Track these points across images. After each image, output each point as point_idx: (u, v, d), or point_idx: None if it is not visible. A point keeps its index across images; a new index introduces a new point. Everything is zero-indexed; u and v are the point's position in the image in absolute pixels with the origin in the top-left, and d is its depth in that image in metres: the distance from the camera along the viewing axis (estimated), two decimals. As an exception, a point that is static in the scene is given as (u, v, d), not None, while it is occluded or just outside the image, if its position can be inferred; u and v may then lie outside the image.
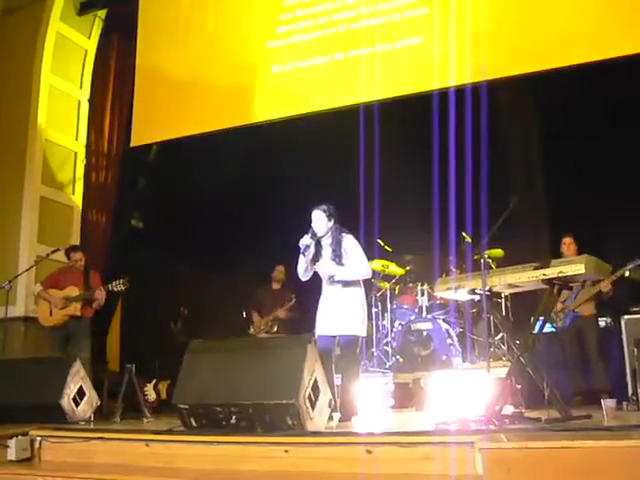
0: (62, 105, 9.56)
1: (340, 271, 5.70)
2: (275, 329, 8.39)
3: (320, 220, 5.79)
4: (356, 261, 5.76)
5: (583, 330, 6.96)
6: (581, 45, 7.00)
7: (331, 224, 5.81)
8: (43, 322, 7.61)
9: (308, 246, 5.73)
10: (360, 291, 5.82)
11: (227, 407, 4.61)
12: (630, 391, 6.25)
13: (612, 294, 6.81)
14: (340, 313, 5.65)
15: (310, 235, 5.75)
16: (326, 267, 5.74)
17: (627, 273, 6.72)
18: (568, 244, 7.04)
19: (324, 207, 5.83)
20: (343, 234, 5.82)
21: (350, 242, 5.80)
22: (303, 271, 5.84)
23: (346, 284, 5.73)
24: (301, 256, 5.78)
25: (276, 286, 8.64)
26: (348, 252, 5.75)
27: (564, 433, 3.90)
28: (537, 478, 3.41)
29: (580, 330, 6.97)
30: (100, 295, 7.51)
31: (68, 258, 7.81)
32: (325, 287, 5.85)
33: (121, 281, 7.43)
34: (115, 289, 7.47)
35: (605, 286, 6.72)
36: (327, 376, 4.95)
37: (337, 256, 5.73)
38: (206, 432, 4.60)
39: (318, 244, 5.82)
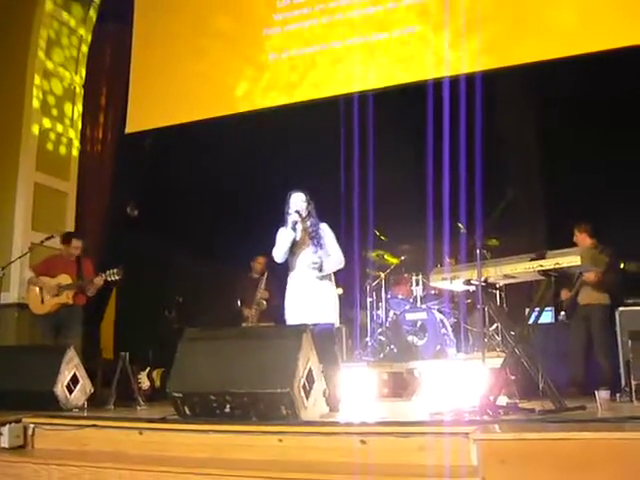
0: (57, 91, 9.52)
1: (327, 265, 5.80)
2: (264, 306, 8.37)
3: (302, 202, 5.88)
4: (333, 248, 5.88)
5: (589, 318, 6.93)
6: (579, 36, 7.00)
7: (310, 208, 5.91)
8: (34, 310, 7.56)
9: (296, 222, 5.80)
10: (331, 280, 5.89)
11: (221, 396, 4.60)
12: (623, 383, 6.27)
13: (611, 283, 6.79)
14: (313, 303, 5.69)
15: (298, 215, 5.80)
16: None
17: (622, 265, 6.73)
18: (579, 233, 7.03)
19: (303, 191, 5.93)
20: (319, 221, 5.92)
21: (327, 228, 5.93)
22: (285, 252, 5.83)
23: (319, 277, 5.78)
24: (287, 235, 5.80)
25: (255, 276, 8.65)
26: (325, 237, 5.86)
27: (558, 424, 3.90)
28: (531, 469, 3.41)
29: (587, 318, 6.95)
30: (99, 282, 7.41)
31: (68, 243, 7.70)
32: (295, 277, 5.87)
33: (115, 271, 7.32)
34: (109, 279, 7.38)
35: (588, 277, 6.75)
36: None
37: (317, 238, 5.79)
38: (200, 421, 4.59)
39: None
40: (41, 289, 7.53)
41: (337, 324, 5.93)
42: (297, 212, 5.80)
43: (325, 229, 5.90)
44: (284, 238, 5.83)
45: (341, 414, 5.22)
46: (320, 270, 5.78)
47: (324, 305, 5.72)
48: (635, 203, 7.28)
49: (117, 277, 7.34)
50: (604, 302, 6.91)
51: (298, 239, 5.84)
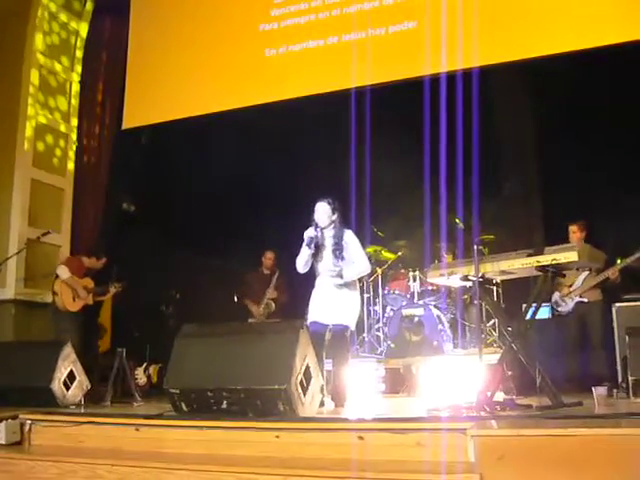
0: (53, 87, 9.47)
1: (348, 273, 5.74)
2: (272, 308, 8.36)
3: (325, 212, 5.81)
4: (359, 256, 5.82)
5: (586, 316, 6.95)
6: (574, 32, 6.99)
7: (334, 217, 5.84)
8: (68, 307, 7.67)
9: (313, 238, 5.75)
10: (355, 288, 5.88)
11: (218, 392, 4.60)
12: (620, 379, 6.28)
13: (619, 281, 6.81)
14: (336, 306, 5.70)
15: (314, 227, 5.77)
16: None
17: (619, 261, 6.75)
18: (572, 232, 7.04)
19: (329, 199, 5.86)
20: (344, 229, 5.85)
21: (351, 237, 5.84)
22: (304, 263, 5.81)
23: (339, 285, 5.75)
24: (304, 248, 5.78)
25: (265, 272, 8.64)
26: (349, 246, 5.79)
27: (556, 421, 3.90)
28: (528, 465, 3.42)
29: (584, 316, 6.96)
30: (112, 292, 8.13)
31: (98, 259, 8.16)
32: (321, 280, 5.85)
33: (120, 285, 8.08)
34: (117, 291, 8.14)
35: (613, 273, 6.75)
36: (317, 362, 4.97)
37: (338, 249, 5.75)
38: (197, 417, 4.59)
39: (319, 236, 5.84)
40: (74, 288, 7.73)
41: (352, 327, 5.90)
42: (315, 225, 5.77)
43: (349, 238, 5.82)
44: (302, 252, 5.81)
45: (341, 410, 5.23)
46: (341, 277, 5.73)
47: (343, 309, 5.72)
48: (632, 199, 7.28)
49: (120, 289, 8.12)
50: (601, 298, 6.96)
51: (320, 249, 5.81)
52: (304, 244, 5.76)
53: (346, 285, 5.76)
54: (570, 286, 7.01)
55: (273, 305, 8.39)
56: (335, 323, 5.69)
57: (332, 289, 5.75)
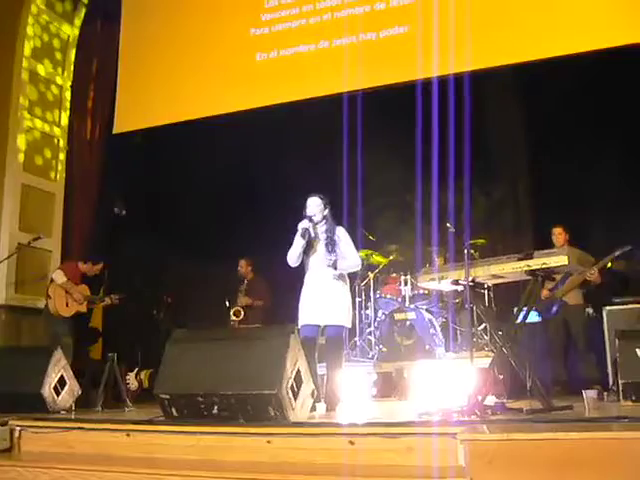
0: (44, 91, 9.46)
1: (342, 263, 5.76)
2: (241, 315, 8.33)
3: (317, 205, 5.83)
4: (350, 252, 5.84)
5: (569, 319, 6.96)
6: (565, 37, 7.03)
7: (326, 212, 5.85)
8: (60, 311, 7.68)
9: (307, 229, 5.73)
10: (346, 282, 5.87)
11: (209, 397, 4.58)
12: (610, 382, 6.30)
13: (600, 282, 6.82)
14: (327, 303, 5.67)
15: (308, 220, 5.76)
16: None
17: (609, 264, 6.77)
18: (557, 234, 7.06)
19: (320, 194, 5.88)
20: (336, 225, 5.88)
21: (343, 232, 5.87)
22: (297, 256, 5.78)
23: (334, 276, 5.74)
24: (297, 241, 5.75)
25: (241, 279, 8.64)
26: (341, 241, 5.80)
27: (546, 424, 3.90)
28: (519, 469, 3.41)
29: (566, 319, 6.98)
30: (108, 302, 8.12)
31: (95, 265, 8.11)
32: (310, 278, 5.83)
33: (117, 296, 8.08)
34: (113, 302, 8.12)
35: (591, 274, 6.75)
36: (310, 365, 4.96)
37: (331, 243, 5.75)
38: (187, 422, 4.57)
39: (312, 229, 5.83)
40: (68, 293, 7.73)
41: (348, 326, 5.91)
42: (309, 218, 5.76)
43: (341, 233, 5.84)
44: (295, 244, 5.79)
45: (333, 414, 5.23)
46: (335, 268, 5.73)
47: (337, 307, 5.70)
48: (621, 203, 7.32)
49: (117, 302, 8.10)
50: (583, 301, 6.99)
51: (313, 243, 5.79)
52: (298, 235, 5.74)
53: (340, 278, 5.75)
54: (551, 289, 7.01)
55: (241, 312, 8.33)
56: (329, 324, 5.69)
57: (324, 283, 5.73)
